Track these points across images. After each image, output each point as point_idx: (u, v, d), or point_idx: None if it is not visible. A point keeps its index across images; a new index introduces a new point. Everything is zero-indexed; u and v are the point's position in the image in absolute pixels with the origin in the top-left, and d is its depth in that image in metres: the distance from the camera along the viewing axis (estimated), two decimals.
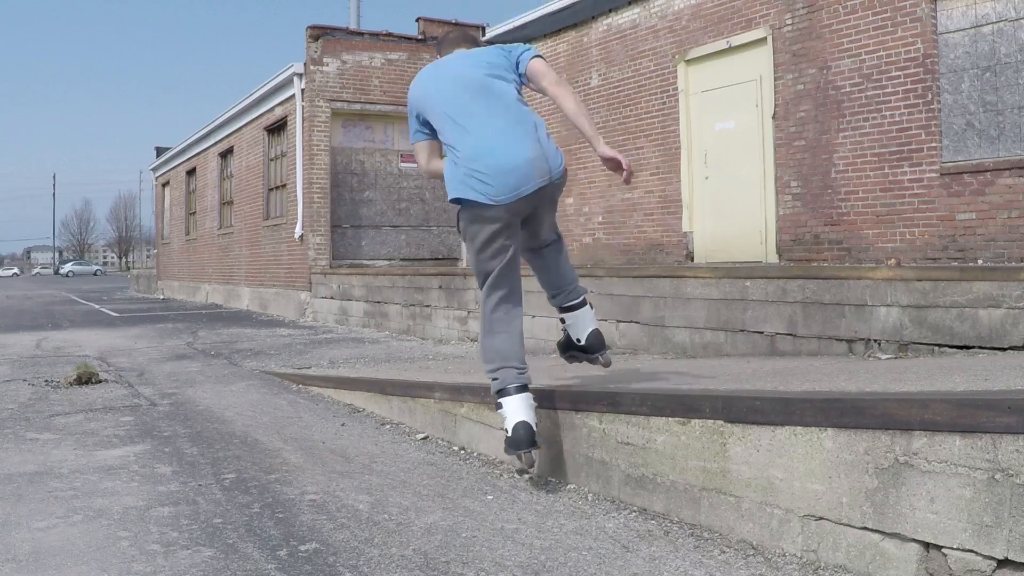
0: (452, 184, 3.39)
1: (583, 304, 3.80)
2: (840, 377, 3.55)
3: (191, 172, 20.95)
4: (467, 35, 3.90)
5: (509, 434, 3.37)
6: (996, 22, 7.27)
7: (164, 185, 24.46)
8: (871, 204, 8.18)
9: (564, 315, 3.81)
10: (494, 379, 3.46)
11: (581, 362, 3.94)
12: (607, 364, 3.88)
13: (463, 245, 14.55)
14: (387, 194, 13.94)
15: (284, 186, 14.38)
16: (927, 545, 2.32)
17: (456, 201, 3.40)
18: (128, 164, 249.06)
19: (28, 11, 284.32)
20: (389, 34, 13.59)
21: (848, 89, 8.38)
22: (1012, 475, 2.16)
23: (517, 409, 3.37)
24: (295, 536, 2.91)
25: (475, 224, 3.38)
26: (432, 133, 3.54)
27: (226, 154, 17.90)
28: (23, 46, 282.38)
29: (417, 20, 14.13)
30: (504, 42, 13.39)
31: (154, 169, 25.48)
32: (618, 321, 6.93)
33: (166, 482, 3.65)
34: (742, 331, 5.87)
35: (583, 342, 3.78)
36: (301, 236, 13.22)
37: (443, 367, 6.44)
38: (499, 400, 3.44)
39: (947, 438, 2.29)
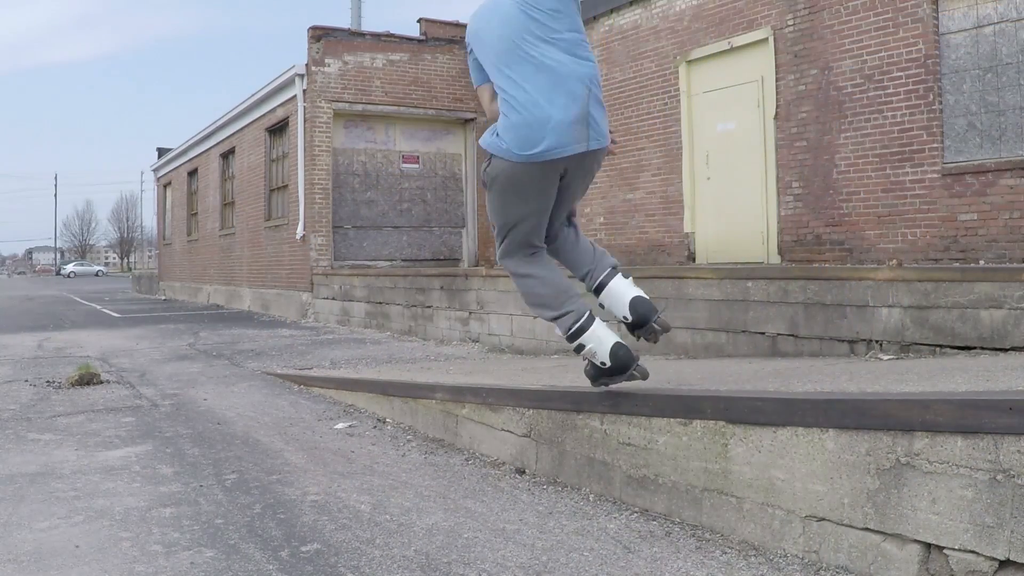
0: None
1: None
2: (842, 378, 3.54)
3: (192, 173, 20.97)
4: None
5: (608, 363, 3.22)
6: (998, 23, 7.27)
7: (166, 186, 24.48)
8: (873, 205, 8.17)
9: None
10: (562, 317, 3.26)
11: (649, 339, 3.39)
12: (665, 328, 3.40)
13: (464, 246, 14.56)
14: (388, 195, 13.95)
15: (286, 187, 14.38)
16: (928, 546, 2.32)
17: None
18: (130, 165, 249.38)
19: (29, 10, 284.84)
20: (390, 35, 13.60)
21: (850, 90, 8.37)
22: (1014, 476, 2.15)
23: (603, 334, 3.26)
24: (297, 537, 2.92)
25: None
26: None
27: (228, 155, 17.92)
28: (23, 45, 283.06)
29: (419, 21, 14.14)
30: None
31: (156, 170, 25.51)
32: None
33: (168, 483, 3.65)
34: (744, 332, 5.86)
35: (630, 319, 3.36)
36: (303, 237, 13.23)
37: (444, 368, 6.44)
38: (579, 339, 3.24)
39: (948, 439, 2.29)
